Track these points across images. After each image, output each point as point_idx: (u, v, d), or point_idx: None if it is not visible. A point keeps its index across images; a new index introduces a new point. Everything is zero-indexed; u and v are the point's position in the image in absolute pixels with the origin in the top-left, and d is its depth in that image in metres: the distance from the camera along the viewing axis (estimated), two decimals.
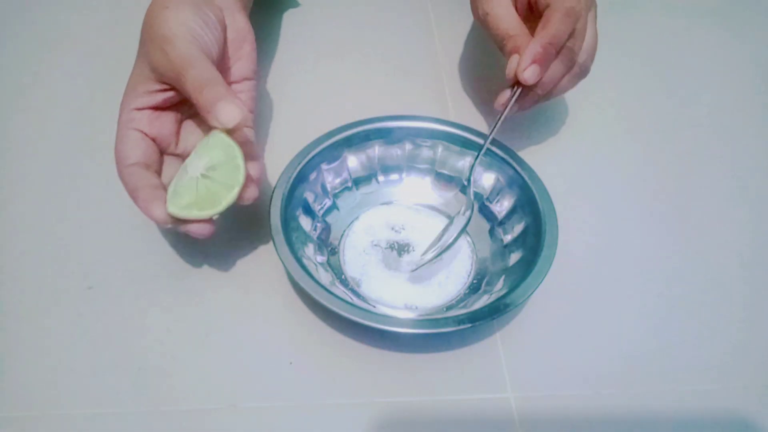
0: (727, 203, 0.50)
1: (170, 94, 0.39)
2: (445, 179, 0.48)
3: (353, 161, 0.47)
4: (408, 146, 0.47)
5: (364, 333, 0.40)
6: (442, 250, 0.42)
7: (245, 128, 0.41)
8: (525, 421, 0.38)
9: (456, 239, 0.42)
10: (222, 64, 0.42)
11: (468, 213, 0.43)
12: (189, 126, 0.41)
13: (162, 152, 0.40)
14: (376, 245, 0.45)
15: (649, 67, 0.60)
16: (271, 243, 0.39)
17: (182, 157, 0.40)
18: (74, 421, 0.37)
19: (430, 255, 0.42)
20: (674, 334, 0.42)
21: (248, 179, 0.37)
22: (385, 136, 0.47)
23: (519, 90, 0.43)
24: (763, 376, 0.41)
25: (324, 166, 0.45)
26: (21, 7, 0.59)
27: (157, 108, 0.39)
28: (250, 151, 0.39)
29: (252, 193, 0.38)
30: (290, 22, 0.61)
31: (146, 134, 0.38)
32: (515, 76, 0.42)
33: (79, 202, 0.46)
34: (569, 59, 0.43)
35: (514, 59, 0.42)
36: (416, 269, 0.42)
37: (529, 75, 0.42)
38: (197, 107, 0.36)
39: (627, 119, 0.56)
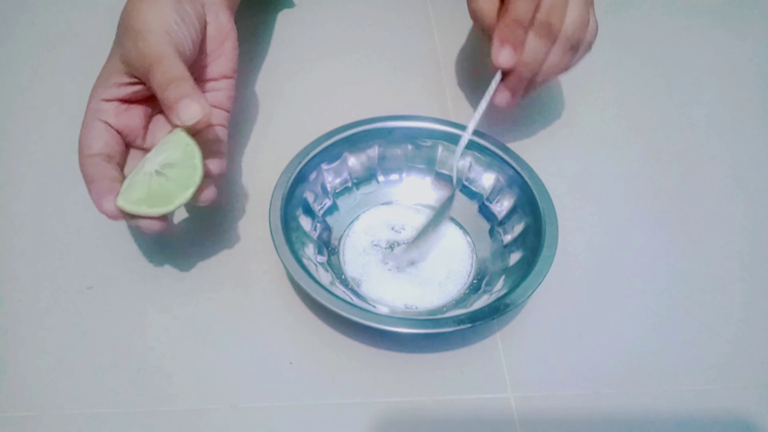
0: (727, 203, 0.50)
1: (139, 87, 0.38)
2: (445, 179, 0.48)
3: (353, 161, 0.47)
4: (408, 146, 0.47)
5: (364, 333, 0.40)
6: (420, 234, 0.43)
7: (217, 126, 0.41)
8: (525, 421, 0.38)
9: (435, 220, 0.43)
10: (200, 61, 0.42)
11: (450, 194, 0.44)
12: (159, 121, 0.41)
13: (128, 145, 0.39)
14: (376, 245, 0.45)
15: (649, 67, 0.60)
16: (271, 243, 0.39)
17: (148, 151, 0.39)
18: (74, 421, 0.37)
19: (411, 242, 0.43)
20: (674, 334, 0.42)
21: (206, 180, 0.37)
22: (385, 135, 0.47)
23: (500, 76, 0.43)
24: (763, 376, 0.41)
25: (324, 166, 0.45)
26: (21, 7, 0.59)
27: (125, 101, 0.39)
28: (218, 149, 0.39)
29: (209, 195, 0.38)
30: (290, 22, 0.61)
31: (111, 126, 0.38)
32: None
33: (79, 202, 0.46)
34: (547, 32, 0.41)
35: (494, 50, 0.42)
36: (402, 257, 0.43)
37: (503, 58, 0.41)
38: (161, 104, 0.36)
39: (627, 119, 0.56)
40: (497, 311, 0.38)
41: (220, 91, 0.43)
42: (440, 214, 0.44)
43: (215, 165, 0.39)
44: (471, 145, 0.47)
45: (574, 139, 0.53)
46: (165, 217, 0.37)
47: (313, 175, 0.45)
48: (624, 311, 0.43)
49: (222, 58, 0.42)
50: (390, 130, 0.47)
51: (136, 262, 0.43)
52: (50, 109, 0.51)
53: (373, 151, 0.47)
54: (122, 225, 0.44)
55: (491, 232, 0.45)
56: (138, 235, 0.44)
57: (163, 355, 0.39)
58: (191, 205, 0.37)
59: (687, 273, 0.46)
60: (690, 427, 0.39)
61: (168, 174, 0.36)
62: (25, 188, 0.47)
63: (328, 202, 0.46)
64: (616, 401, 0.39)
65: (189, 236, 0.44)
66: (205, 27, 0.41)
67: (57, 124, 0.50)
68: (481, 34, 0.45)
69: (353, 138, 0.46)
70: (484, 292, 0.42)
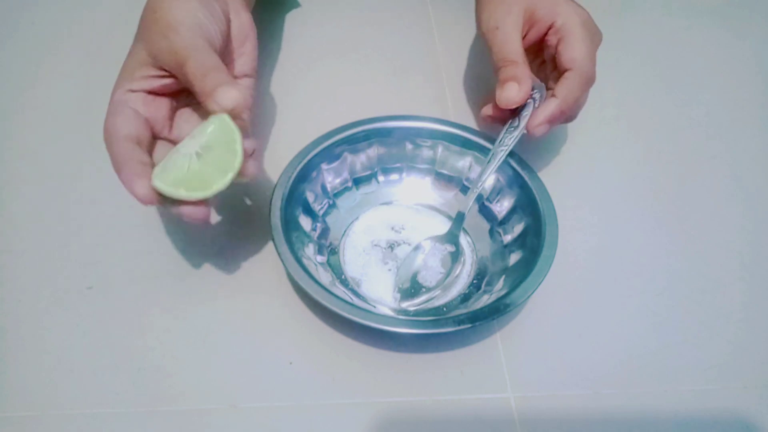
0: (726, 203, 0.50)
1: (168, 81, 0.38)
2: (445, 179, 0.48)
3: (353, 161, 0.47)
4: (408, 146, 0.47)
5: (364, 333, 0.40)
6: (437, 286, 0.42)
7: (244, 115, 0.40)
8: (525, 421, 0.38)
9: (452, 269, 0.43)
10: (224, 59, 0.41)
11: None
12: (185, 114, 0.40)
13: (154, 136, 0.39)
14: (376, 245, 0.45)
15: (649, 67, 0.60)
16: (271, 243, 0.39)
17: (175, 142, 0.39)
18: (74, 421, 0.37)
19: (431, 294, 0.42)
20: (674, 334, 0.42)
21: (245, 157, 0.37)
22: (385, 136, 0.47)
23: (520, 127, 0.44)
24: (763, 376, 0.41)
25: (324, 166, 0.45)
26: (21, 7, 0.59)
27: (152, 92, 0.39)
28: (246, 136, 0.39)
29: (253, 169, 0.38)
30: (291, 22, 0.61)
31: (140, 113, 0.38)
32: (510, 111, 0.44)
33: (79, 202, 0.46)
34: (572, 116, 0.46)
35: (510, 87, 0.42)
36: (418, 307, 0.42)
37: (539, 131, 0.43)
38: (197, 94, 0.36)
39: (627, 119, 0.56)
40: (497, 311, 0.38)
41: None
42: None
43: (249, 143, 0.38)
44: (471, 145, 0.47)
45: (575, 139, 0.53)
46: (206, 204, 0.36)
47: (313, 175, 0.45)
48: (624, 311, 0.43)
49: (244, 57, 0.43)
50: (390, 130, 0.47)
51: (136, 262, 0.43)
52: (50, 110, 0.51)
53: (373, 151, 0.47)
54: (122, 225, 0.44)
55: (491, 232, 0.45)
56: (138, 234, 0.44)
57: (163, 355, 0.39)
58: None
59: (687, 273, 0.46)
60: (690, 427, 0.39)
61: (207, 157, 0.36)
62: (26, 188, 0.47)
63: (328, 202, 0.46)
64: (616, 401, 0.39)
65: (189, 236, 0.44)
66: (229, 24, 0.41)
67: (57, 124, 0.50)
68: (488, 53, 0.45)
69: (353, 138, 0.46)
70: (484, 292, 0.42)
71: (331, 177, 0.46)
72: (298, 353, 0.40)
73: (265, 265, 0.43)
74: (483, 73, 0.58)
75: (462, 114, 0.54)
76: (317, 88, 0.55)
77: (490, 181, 0.46)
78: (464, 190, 0.47)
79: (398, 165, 0.48)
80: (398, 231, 0.46)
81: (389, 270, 0.43)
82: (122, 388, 0.38)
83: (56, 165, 0.48)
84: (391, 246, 0.45)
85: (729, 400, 0.40)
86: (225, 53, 0.41)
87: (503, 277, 0.42)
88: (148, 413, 0.37)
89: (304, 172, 0.44)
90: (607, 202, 0.49)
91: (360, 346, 0.40)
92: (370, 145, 0.47)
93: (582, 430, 0.38)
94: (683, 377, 0.41)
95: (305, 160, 0.44)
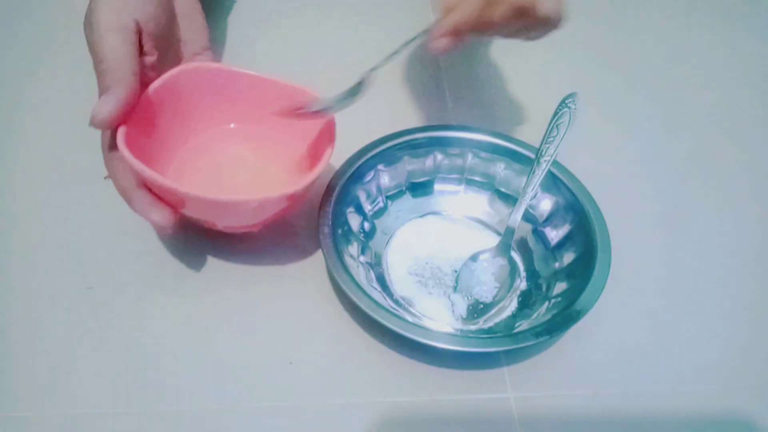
0: (727, 203, 0.50)
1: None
2: (502, 197, 0.47)
3: (411, 167, 0.46)
4: (468, 158, 0.47)
5: (364, 333, 0.40)
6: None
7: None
8: (525, 421, 0.38)
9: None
10: (173, 38, 0.44)
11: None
12: None
13: None
14: (418, 258, 0.44)
15: (649, 67, 0.60)
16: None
17: None
18: (74, 421, 0.37)
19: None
20: (674, 334, 0.42)
21: None
22: (447, 145, 0.47)
23: (560, 136, 0.43)
24: (763, 376, 0.41)
25: (381, 168, 0.45)
26: (21, 7, 0.59)
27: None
28: None
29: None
30: (288, 26, 0.61)
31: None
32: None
33: (79, 202, 0.46)
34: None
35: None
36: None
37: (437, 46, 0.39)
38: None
39: (626, 119, 0.56)
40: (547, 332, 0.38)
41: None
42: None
43: None
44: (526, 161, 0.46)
45: (574, 138, 0.53)
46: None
47: (368, 176, 0.45)
48: (624, 311, 0.43)
49: (196, 33, 0.45)
50: (451, 140, 0.46)
51: (136, 262, 0.43)
52: (51, 108, 0.51)
53: (431, 160, 0.47)
54: (123, 225, 0.44)
55: (534, 231, 0.45)
56: (138, 234, 0.44)
57: (163, 355, 0.39)
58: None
59: (687, 273, 0.46)
60: (690, 427, 0.39)
61: None
62: (26, 188, 0.47)
63: (380, 203, 0.45)
64: (616, 401, 0.39)
65: (187, 236, 0.44)
66: (173, 6, 0.43)
67: (57, 123, 0.50)
68: None
69: (414, 143, 0.46)
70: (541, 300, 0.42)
71: (386, 179, 0.46)
72: (298, 353, 0.40)
73: (265, 264, 0.43)
74: (483, 74, 0.58)
75: (462, 114, 0.54)
76: (317, 88, 0.55)
77: (546, 206, 0.46)
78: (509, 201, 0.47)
79: (455, 176, 0.47)
80: (443, 243, 0.45)
81: (429, 293, 0.43)
82: (122, 388, 0.38)
83: (56, 165, 0.48)
84: (432, 265, 0.44)
85: (729, 400, 0.40)
86: (173, 33, 0.44)
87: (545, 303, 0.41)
88: (148, 413, 0.37)
89: (360, 172, 0.44)
90: (608, 202, 0.49)
91: (360, 345, 0.40)
92: (429, 153, 0.47)
93: (582, 430, 0.38)
94: (683, 377, 0.41)
95: (362, 161, 0.44)
